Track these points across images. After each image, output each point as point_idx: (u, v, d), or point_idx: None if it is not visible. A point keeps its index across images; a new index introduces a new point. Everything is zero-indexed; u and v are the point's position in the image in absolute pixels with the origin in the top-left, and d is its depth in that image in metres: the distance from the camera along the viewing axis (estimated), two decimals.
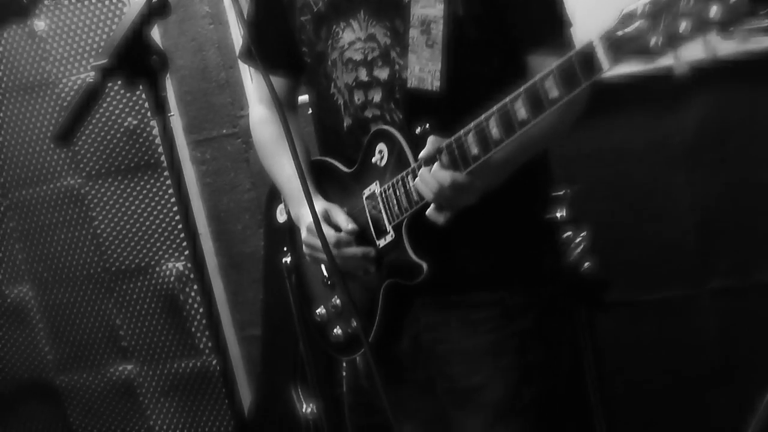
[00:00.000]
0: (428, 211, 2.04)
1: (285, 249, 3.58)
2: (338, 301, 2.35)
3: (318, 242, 2.19)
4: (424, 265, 2.12)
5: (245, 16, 2.37)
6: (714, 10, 1.53)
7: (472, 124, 1.94)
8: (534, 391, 2.24)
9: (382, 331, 2.27)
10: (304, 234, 2.28)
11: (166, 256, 4.36)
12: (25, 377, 4.66)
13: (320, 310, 2.38)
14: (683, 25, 1.56)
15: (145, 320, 4.45)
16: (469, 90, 2.04)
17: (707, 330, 3.62)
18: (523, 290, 2.25)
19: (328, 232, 2.22)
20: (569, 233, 2.83)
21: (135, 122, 4.23)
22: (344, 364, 2.59)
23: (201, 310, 4.32)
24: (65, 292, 4.52)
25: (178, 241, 4.32)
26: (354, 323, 2.31)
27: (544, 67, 1.93)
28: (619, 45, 1.66)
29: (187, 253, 4.29)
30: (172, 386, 4.49)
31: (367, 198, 2.23)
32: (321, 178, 2.39)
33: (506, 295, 2.24)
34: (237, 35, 4.09)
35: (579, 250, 2.82)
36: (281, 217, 3.70)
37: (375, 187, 2.21)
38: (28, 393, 4.68)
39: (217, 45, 4.15)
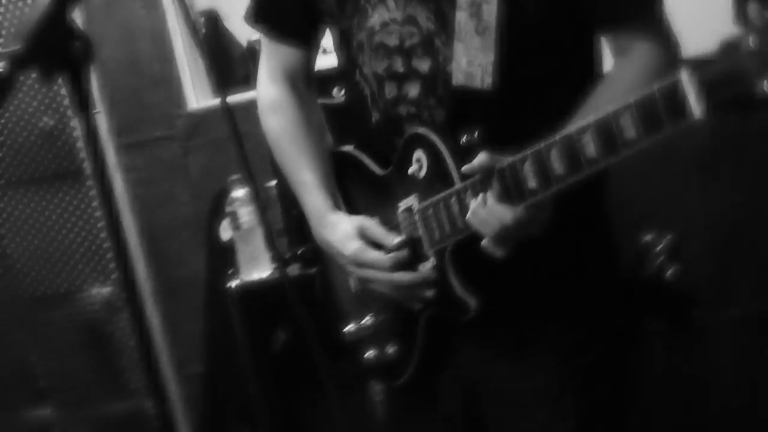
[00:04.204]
0: (484, 243, 1.97)
1: (230, 272, 3.57)
2: (370, 322, 2.34)
3: (372, 274, 2.19)
4: (472, 303, 2.06)
5: None
6: None
7: (529, 152, 1.86)
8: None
9: (422, 363, 2.23)
10: (351, 268, 2.24)
11: (90, 280, 4.33)
12: None
13: (351, 328, 2.34)
14: None
15: (66, 356, 4.40)
16: (528, 87, 1.98)
17: (725, 363, 3.62)
18: (588, 320, 2.18)
19: (376, 256, 2.17)
20: (649, 237, 2.80)
21: (52, 122, 4.21)
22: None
23: (131, 343, 4.30)
24: None
25: (103, 262, 4.31)
26: (389, 349, 2.29)
27: (628, 51, 1.98)
28: (715, 87, 1.58)
29: (114, 276, 4.30)
30: None
31: (402, 212, 2.19)
32: (345, 176, 2.36)
33: (566, 327, 2.17)
34: (174, 22, 4.09)
35: (661, 258, 2.79)
36: (225, 233, 3.70)
37: (413, 202, 2.16)
38: None
39: (150, 33, 4.19)
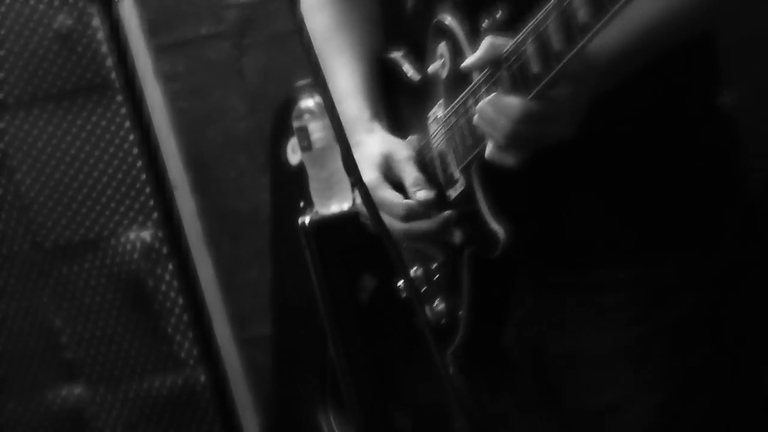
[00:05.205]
0: (487, 152, 1.99)
1: (302, 204, 3.59)
2: (419, 272, 2.37)
3: (385, 216, 2.21)
4: (501, 232, 2.07)
5: None
6: None
7: (530, 26, 1.88)
8: (698, 408, 2.17)
9: (475, 314, 2.25)
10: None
11: (125, 222, 4.41)
12: None
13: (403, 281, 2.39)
14: None
15: (99, 319, 4.49)
16: None
17: None
18: (684, 258, 2.15)
19: (390, 197, 2.23)
20: None
21: (69, 23, 4.24)
22: None
23: (181, 300, 4.37)
24: None
25: (142, 199, 4.37)
26: (438, 306, 2.30)
27: None
28: None
29: (156, 216, 4.35)
30: (141, 415, 4.54)
31: (432, 123, 2.22)
32: (390, 85, 2.43)
33: (653, 268, 2.14)
34: None
35: None
36: (294, 156, 3.71)
37: (439, 110, 2.20)
38: None
39: None
